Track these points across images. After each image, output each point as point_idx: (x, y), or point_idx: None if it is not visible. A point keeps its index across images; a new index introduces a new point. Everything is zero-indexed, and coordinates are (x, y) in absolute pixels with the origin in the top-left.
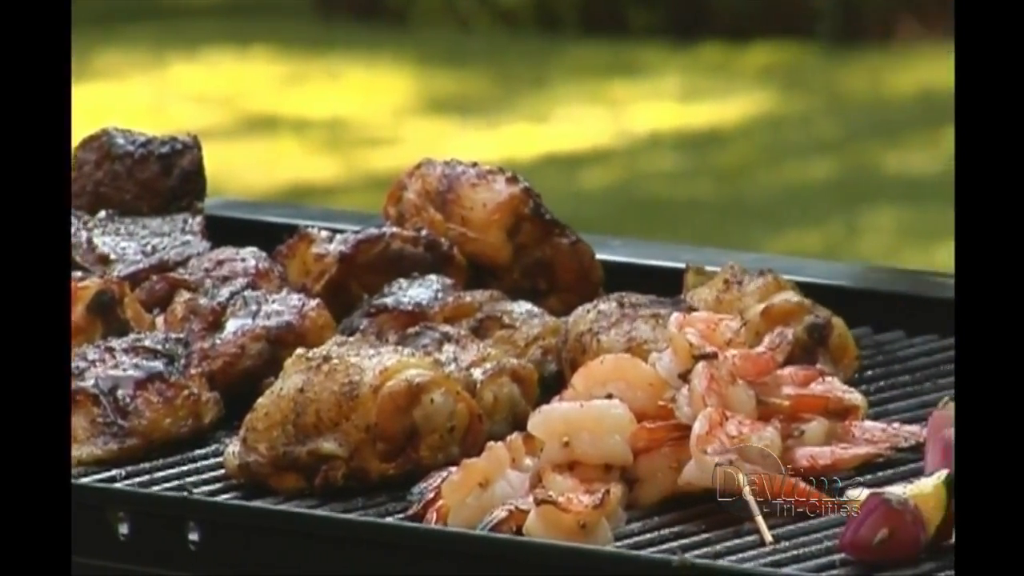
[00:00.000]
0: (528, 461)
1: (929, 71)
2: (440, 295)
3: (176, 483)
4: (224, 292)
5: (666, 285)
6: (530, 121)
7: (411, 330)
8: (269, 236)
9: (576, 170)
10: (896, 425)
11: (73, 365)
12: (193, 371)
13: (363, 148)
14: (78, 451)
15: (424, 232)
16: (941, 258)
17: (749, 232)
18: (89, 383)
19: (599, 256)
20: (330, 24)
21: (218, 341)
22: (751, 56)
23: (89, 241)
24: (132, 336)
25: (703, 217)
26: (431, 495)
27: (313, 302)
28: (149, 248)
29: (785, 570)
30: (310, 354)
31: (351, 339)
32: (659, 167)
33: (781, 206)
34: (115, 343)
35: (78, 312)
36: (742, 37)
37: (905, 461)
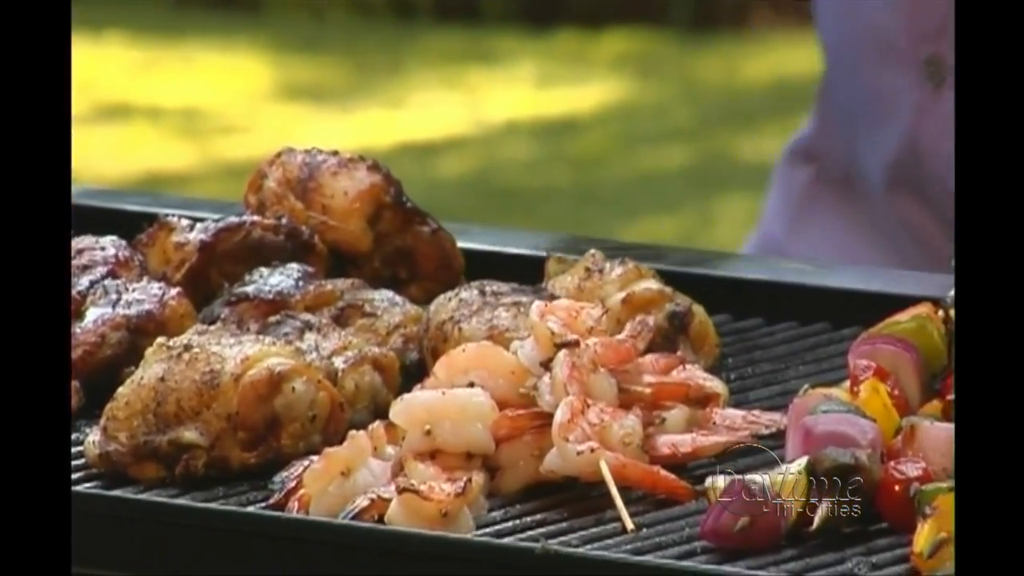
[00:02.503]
0: (390, 450)
1: (782, 59)
2: (301, 283)
3: None
4: (84, 281)
5: (527, 273)
6: (385, 107)
7: (272, 319)
8: (129, 225)
9: (432, 158)
10: (757, 412)
11: None
12: None
13: (218, 136)
14: None
15: (285, 220)
16: None
17: (604, 219)
18: None
19: (460, 244)
20: (184, 10)
21: (78, 330)
22: (606, 43)
23: None
24: None
25: (559, 205)
26: (292, 484)
27: (173, 291)
28: None
29: (647, 557)
30: (171, 343)
31: (212, 328)
32: (515, 155)
33: (636, 193)
34: None
35: None
36: (596, 24)
37: (766, 448)
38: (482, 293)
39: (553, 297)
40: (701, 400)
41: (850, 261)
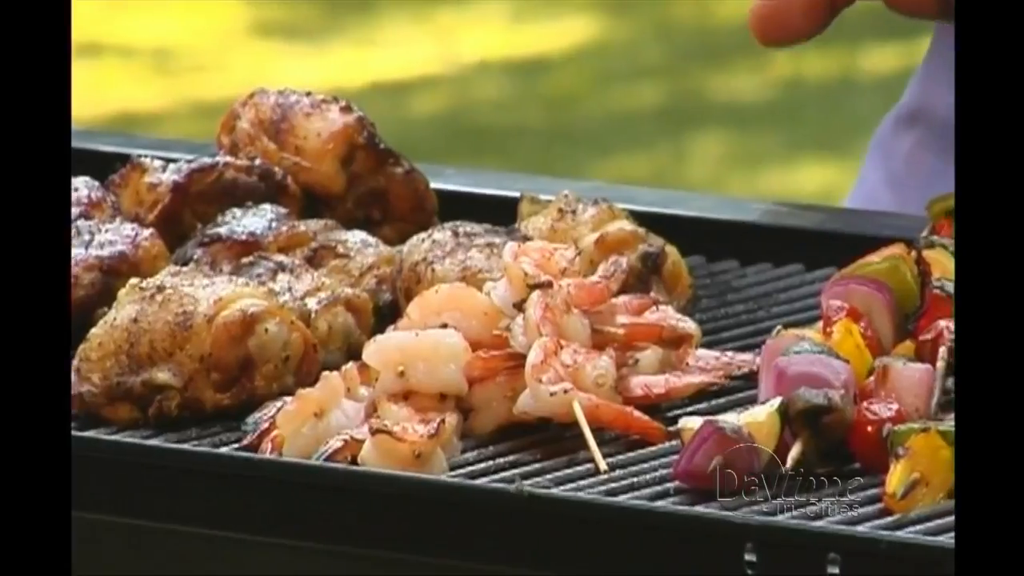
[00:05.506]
0: (363, 391)
1: None
2: (274, 224)
3: None
4: None
5: (500, 214)
6: (357, 46)
7: (245, 260)
8: (101, 165)
9: (404, 96)
10: (730, 354)
11: None
12: None
13: (190, 74)
14: None
15: (258, 161)
16: (766, 184)
17: (577, 158)
18: None
19: (433, 185)
20: None
21: None
22: None
23: None
24: None
25: (531, 143)
26: (266, 425)
27: (146, 232)
28: None
29: (620, 498)
30: (144, 284)
31: (185, 269)
32: (487, 94)
33: (608, 132)
34: None
35: None
36: None
37: (739, 389)
38: (455, 234)
39: (526, 238)
40: (674, 341)
41: None
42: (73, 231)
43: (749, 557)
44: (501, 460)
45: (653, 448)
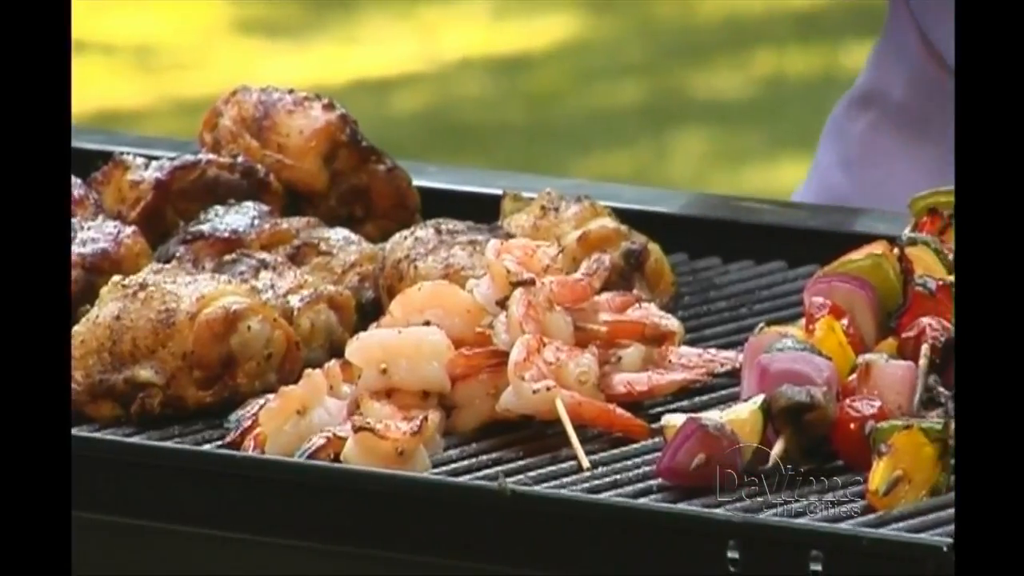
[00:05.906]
0: (346, 388)
1: None
2: (256, 222)
3: None
4: None
5: (483, 211)
6: (339, 43)
7: (228, 257)
8: (83, 163)
9: (386, 94)
10: (713, 351)
11: None
12: None
13: (172, 72)
14: None
15: (240, 159)
16: (748, 181)
17: (559, 156)
18: None
19: (415, 182)
20: None
21: None
22: None
23: None
24: None
25: (514, 141)
26: (248, 423)
27: (129, 229)
28: None
29: (603, 496)
30: (126, 281)
31: (167, 266)
32: (469, 91)
33: (591, 130)
34: None
35: None
36: None
37: (722, 387)
38: (438, 231)
39: (509, 235)
40: (657, 338)
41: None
42: None
43: (732, 554)
44: (484, 457)
45: (636, 445)
